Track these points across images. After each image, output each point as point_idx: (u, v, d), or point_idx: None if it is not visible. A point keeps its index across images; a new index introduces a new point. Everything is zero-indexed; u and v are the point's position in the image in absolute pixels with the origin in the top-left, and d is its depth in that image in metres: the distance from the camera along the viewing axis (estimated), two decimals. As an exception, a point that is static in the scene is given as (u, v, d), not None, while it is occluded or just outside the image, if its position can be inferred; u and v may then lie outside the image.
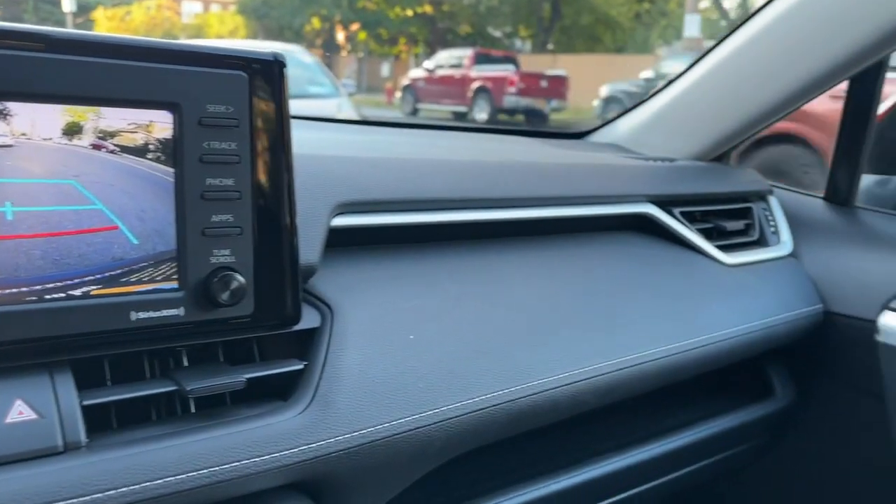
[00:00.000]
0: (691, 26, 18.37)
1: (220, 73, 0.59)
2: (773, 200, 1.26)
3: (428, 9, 25.67)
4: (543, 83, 16.48)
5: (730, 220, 1.17)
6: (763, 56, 1.17)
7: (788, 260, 1.19)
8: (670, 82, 1.33)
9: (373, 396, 0.66)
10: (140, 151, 0.57)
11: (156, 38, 0.58)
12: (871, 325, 1.10)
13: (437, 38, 25.95)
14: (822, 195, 1.28)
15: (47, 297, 0.53)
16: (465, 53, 18.29)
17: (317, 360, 0.66)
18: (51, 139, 0.53)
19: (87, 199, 0.55)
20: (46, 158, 0.53)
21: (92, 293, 0.55)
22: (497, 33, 26.66)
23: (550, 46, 24.83)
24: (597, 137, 1.43)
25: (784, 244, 1.21)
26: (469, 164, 0.93)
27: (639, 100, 1.41)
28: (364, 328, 0.69)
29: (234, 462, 0.57)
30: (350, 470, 0.64)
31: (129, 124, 0.57)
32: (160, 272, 0.58)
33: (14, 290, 0.52)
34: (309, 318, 0.68)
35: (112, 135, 0.56)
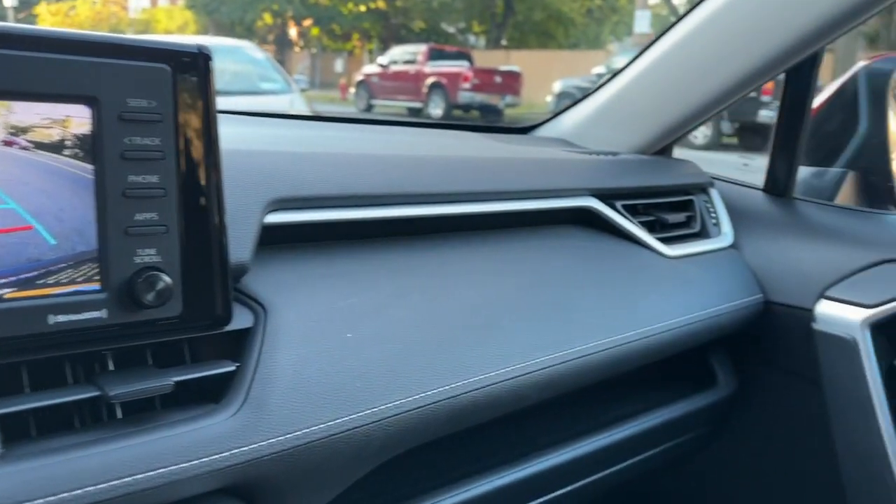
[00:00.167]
0: (641, 22, 18.65)
1: (141, 65, 0.57)
2: (714, 193, 1.27)
3: (381, 4, 25.56)
4: (497, 79, 16.56)
5: (672, 212, 1.18)
6: (702, 49, 1.18)
7: (729, 251, 1.21)
8: (614, 76, 1.34)
9: (308, 397, 0.64)
10: (56, 148, 0.55)
11: (72, 30, 0.56)
12: (808, 314, 1.12)
13: (391, 34, 25.86)
14: (761, 187, 1.30)
15: (-45, 301, 0.51)
16: (420, 49, 18.27)
17: (249, 361, 0.64)
18: (-44, 136, 0.51)
19: (-3, 199, 0.52)
20: (-49, 156, 0.51)
21: (5, 296, 0.52)
22: (451, 29, 26.68)
23: (504, 42, 24.96)
24: (543, 132, 1.44)
25: (725, 236, 1.23)
26: (410, 160, 0.92)
27: (589, 95, 1.42)
28: (299, 327, 0.68)
29: (160, 468, 0.55)
30: (285, 473, 0.63)
31: (43, 119, 0.54)
32: (81, 273, 0.56)
33: (-82, 295, 0.49)
34: (241, 319, 0.66)
35: (25, 130, 0.53)
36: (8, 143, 0.53)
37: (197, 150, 0.60)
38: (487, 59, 21.03)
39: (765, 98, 8.73)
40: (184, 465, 0.56)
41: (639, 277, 1.04)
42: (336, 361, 0.68)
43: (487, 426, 0.86)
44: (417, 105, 16.96)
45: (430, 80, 16.79)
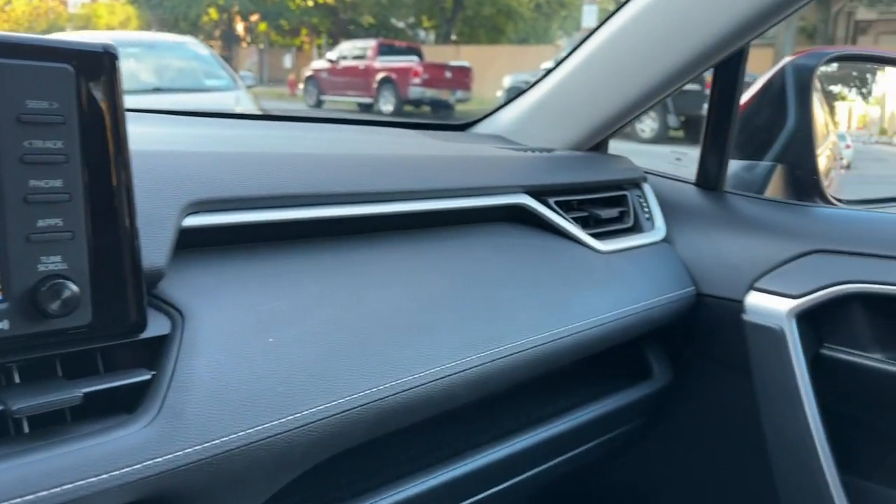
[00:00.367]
0: (589, 17, 18.86)
1: (41, 65, 0.55)
2: (646, 187, 1.29)
3: (329, -1, 25.33)
4: (448, 74, 16.56)
5: (605, 207, 1.19)
6: (632, 46, 1.20)
7: (662, 245, 1.23)
8: (549, 72, 1.35)
9: (227, 404, 0.63)
10: (-51, 152, 0.52)
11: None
12: (738, 305, 1.15)
13: (340, 29, 25.65)
14: (693, 181, 1.32)
15: None
16: (369, 44, 18.16)
17: (165, 369, 0.62)
18: None
19: None
20: None
21: None
22: (400, 24, 26.59)
23: (454, 37, 24.97)
24: (479, 129, 1.43)
25: (658, 230, 1.25)
26: (338, 158, 0.91)
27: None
28: (218, 333, 0.66)
29: (65, 484, 0.53)
30: (204, 483, 0.61)
31: (-68, 123, 0.52)
32: (-21, 283, 0.53)
33: None
34: (157, 325, 0.64)
35: (-88, 135, 0.51)
36: None
37: (104, 152, 0.58)
38: (437, 54, 21.03)
39: (708, 92, 8.90)
40: (91, 479, 0.54)
41: (571, 273, 1.05)
42: (257, 367, 0.66)
43: (421, 426, 0.85)
44: (368, 101, 16.85)
45: (380, 76, 16.70)
